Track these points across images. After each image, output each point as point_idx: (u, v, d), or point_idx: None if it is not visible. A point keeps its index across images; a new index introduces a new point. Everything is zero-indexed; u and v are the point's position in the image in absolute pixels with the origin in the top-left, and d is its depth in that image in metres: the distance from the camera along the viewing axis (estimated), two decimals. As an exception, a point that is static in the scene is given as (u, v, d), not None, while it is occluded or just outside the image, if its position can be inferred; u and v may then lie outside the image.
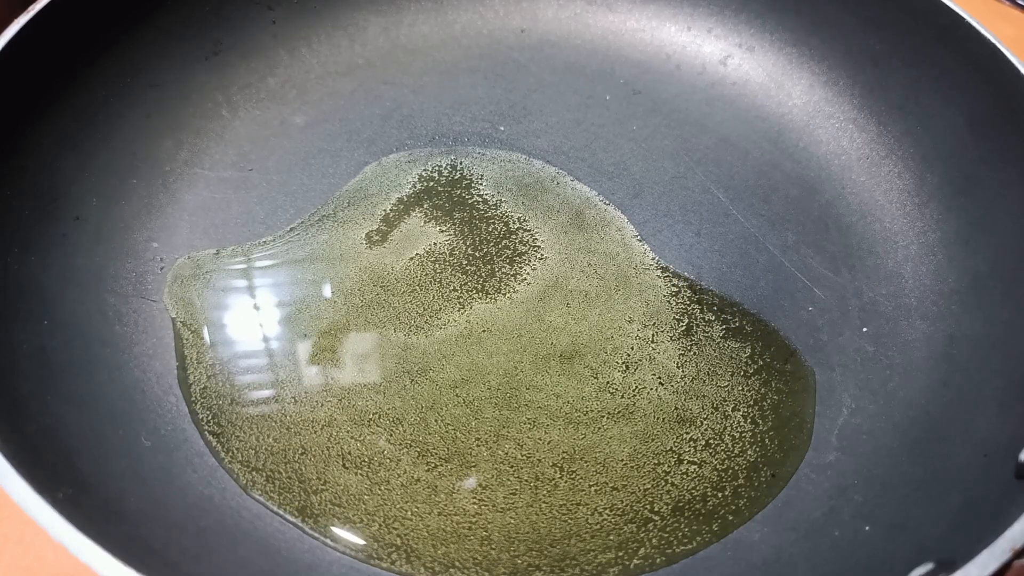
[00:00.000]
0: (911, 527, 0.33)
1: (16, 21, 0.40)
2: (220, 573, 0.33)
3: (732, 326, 0.43)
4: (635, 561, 0.36)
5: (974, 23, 0.43)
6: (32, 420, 0.34)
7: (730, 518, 0.37)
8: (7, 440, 0.30)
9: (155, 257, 0.44)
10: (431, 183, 0.47)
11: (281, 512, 0.36)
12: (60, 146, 0.42)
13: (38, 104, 0.41)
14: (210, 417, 0.39)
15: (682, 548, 0.36)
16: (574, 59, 0.54)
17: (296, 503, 0.37)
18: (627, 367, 0.41)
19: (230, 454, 0.38)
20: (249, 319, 0.42)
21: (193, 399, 0.39)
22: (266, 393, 0.40)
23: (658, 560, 0.36)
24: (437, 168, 0.48)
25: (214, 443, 0.38)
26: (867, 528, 0.35)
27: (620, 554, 0.36)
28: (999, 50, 0.42)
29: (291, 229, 0.45)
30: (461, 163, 0.48)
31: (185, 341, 0.41)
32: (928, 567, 0.29)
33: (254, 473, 0.37)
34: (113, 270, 0.42)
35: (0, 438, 0.30)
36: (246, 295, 0.43)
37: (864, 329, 0.43)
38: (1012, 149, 0.42)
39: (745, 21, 0.53)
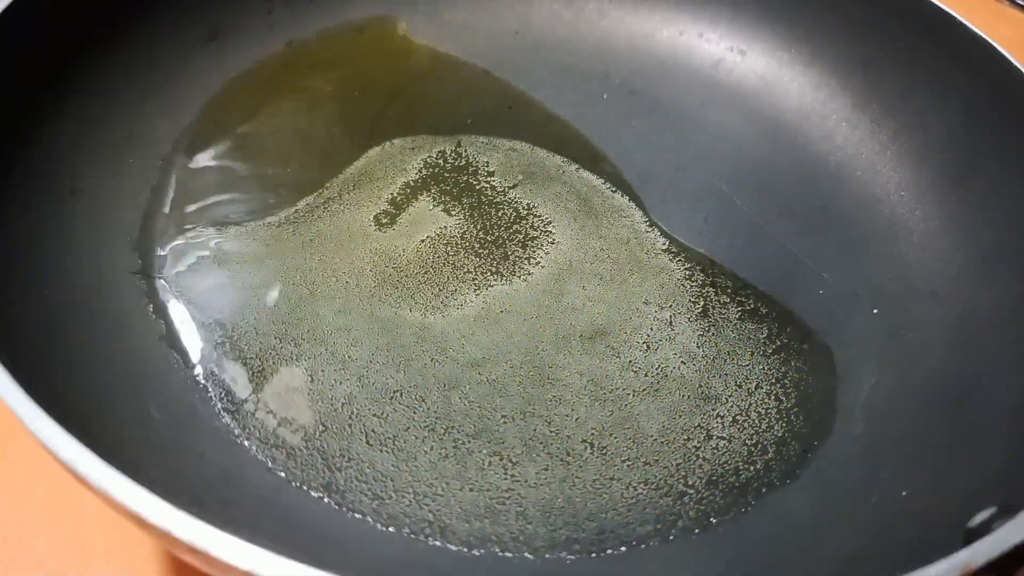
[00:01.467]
0: (956, 481, 0.33)
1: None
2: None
3: (747, 308, 0.43)
4: (673, 532, 0.35)
5: (963, 20, 0.45)
6: (40, 379, 0.31)
7: (763, 490, 0.37)
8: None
9: (155, 235, 0.42)
10: (436, 169, 0.47)
11: (304, 489, 0.34)
12: (56, 117, 0.40)
13: (35, 77, 0.39)
14: (223, 394, 0.37)
15: (719, 519, 0.35)
16: (569, 61, 0.54)
17: (320, 480, 0.35)
18: (648, 347, 0.41)
19: (246, 431, 0.36)
20: (257, 296, 0.40)
21: (203, 376, 0.37)
22: (280, 371, 0.38)
23: (696, 531, 0.35)
24: (441, 154, 0.47)
25: (228, 421, 0.36)
26: (904, 494, 0.35)
27: (658, 526, 0.35)
28: (990, 44, 0.43)
29: (295, 210, 0.44)
30: (465, 151, 0.48)
31: (192, 318, 0.39)
32: (991, 511, 0.29)
33: (273, 450, 0.35)
34: (111, 246, 0.40)
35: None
36: (252, 273, 0.41)
37: (875, 311, 0.43)
38: (1006, 139, 0.43)
39: (736, 27, 0.54)
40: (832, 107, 0.52)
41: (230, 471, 0.34)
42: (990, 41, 0.44)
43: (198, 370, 0.37)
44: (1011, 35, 0.45)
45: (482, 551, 0.34)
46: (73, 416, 0.29)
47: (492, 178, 0.47)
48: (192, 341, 0.38)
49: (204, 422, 0.36)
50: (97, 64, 0.43)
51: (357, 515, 0.34)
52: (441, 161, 0.47)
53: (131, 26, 0.44)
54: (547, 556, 0.34)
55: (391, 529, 0.34)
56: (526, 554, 0.34)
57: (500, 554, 0.34)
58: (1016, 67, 0.43)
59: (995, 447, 0.34)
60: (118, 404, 0.34)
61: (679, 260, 0.44)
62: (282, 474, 0.35)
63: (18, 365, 0.29)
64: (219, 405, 0.36)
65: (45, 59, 0.40)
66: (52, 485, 0.38)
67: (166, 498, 0.25)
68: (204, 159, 0.45)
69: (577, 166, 0.48)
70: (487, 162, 0.47)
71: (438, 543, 0.34)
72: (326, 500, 0.34)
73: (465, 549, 0.34)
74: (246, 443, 0.35)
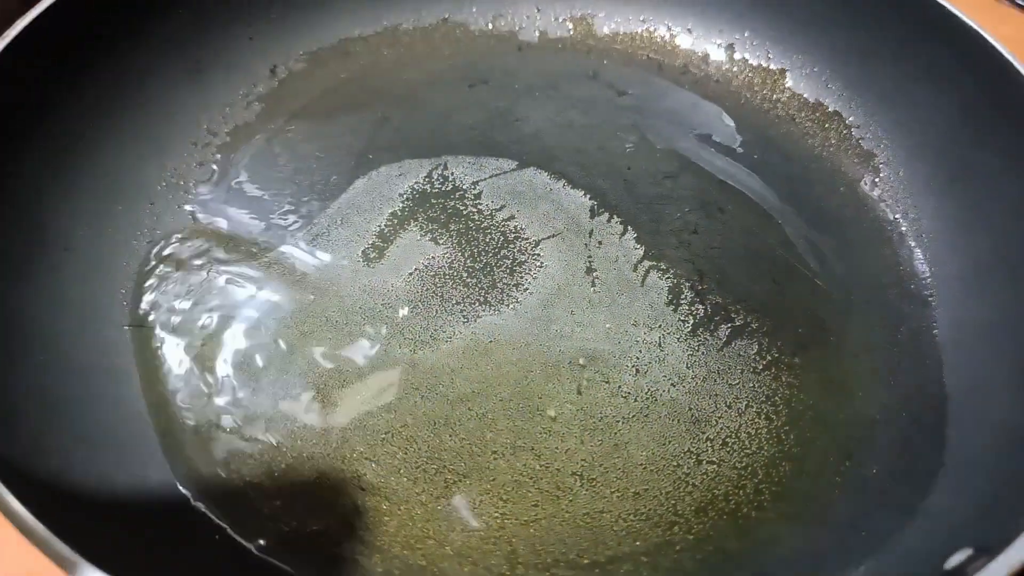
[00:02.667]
0: (941, 515, 0.33)
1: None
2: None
3: (737, 324, 0.43)
4: (665, 564, 0.36)
5: (959, 14, 0.44)
6: (39, 462, 0.32)
7: (754, 515, 0.37)
8: (12, 483, 0.29)
9: (148, 284, 0.42)
10: (424, 195, 0.47)
11: (302, 541, 0.35)
12: (43, 175, 0.41)
13: (16, 131, 0.40)
14: (220, 447, 0.38)
15: (711, 548, 0.36)
16: (559, 65, 0.54)
17: (315, 527, 0.36)
18: (637, 371, 0.41)
19: (243, 484, 0.37)
20: (252, 343, 0.41)
21: (201, 430, 0.38)
22: (276, 419, 0.39)
23: (688, 563, 0.36)
24: (428, 179, 0.47)
25: (227, 475, 0.37)
26: (894, 518, 0.35)
27: (649, 559, 0.36)
28: (985, 39, 0.42)
29: (285, 249, 0.44)
30: (452, 173, 0.48)
31: (188, 370, 0.40)
32: (967, 553, 0.29)
33: (271, 501, 0.36)
34: (106, 300, 0.41)
35: (6, 482, 0.29)
36: (246, 319, 0.42)
37: (869, 318, 0.43)
38: (1003, 136, 0.42)
39: (726, 20, 0.54)
40: (826, 99, 0.51)
41: (233, 535, 0.35)
42: (987, 37, 0.43)
43: (199, 425, 0.38)
44: (1011, 35, 0.43)
45: (474, 594, 0.35)
46: (70, 504, 0.31)
47: (479, 201, 0.47)
48: (192, 394, 0.39)
49: (205, 480, 0.37)
50: (77, 111, 0.43)
51: (352, 560, 0.35)
52: (428, 187, 0.47)
53: (110, 69, 0.45)
54: (540, 594, 0.35)
55: (384, 574, 0.35)
56: (518, 594, 0.35)
57: (492, 595, 0.35)
58: (1013, 64, 0.41)
59: (982, 474, 0.34)
60: (120, 473, 0.35)
61: (668, 277, 0.44)
62: (281, 525, 0.36)
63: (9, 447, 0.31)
64: (218, 459, 0.37)
65: (26, 113, 0.41)
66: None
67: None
68: (191, 201, 0.46)
69: (565, 182, 0.48)
70: (474, 184, 0.47)
71: (432, 588, 0.35)
72: (323, 548, 0.35)
73: (458, 593, 0.35)
74: (246, 495, 0.36)
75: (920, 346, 0.42)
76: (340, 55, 0.52)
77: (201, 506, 0.36)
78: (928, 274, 0.44)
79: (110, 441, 0.36)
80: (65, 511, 0.31)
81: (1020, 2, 0.57)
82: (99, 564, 0.27)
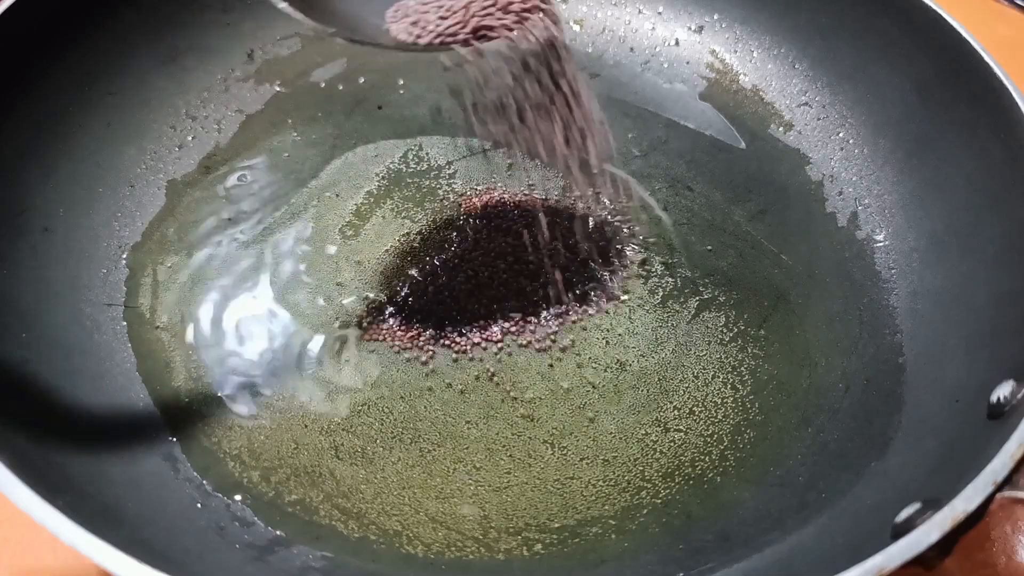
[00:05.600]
0: (893, 474, 0.35)
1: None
2: (222, 571, 0.33)
3: (705, 297, 0.44)
4: (632, 527, 0.37)
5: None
6: (22, 432, 0.33)
7: (718, 479, 0.38)
8: (4, 450, 0.30)
9: (128, 264, 0.43)
10: (399, 175, 0.48)
11: (279, 507, 0.36)
12: (22, 158, 0.42)
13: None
14: (199, 419, 0.39)
15: (676, 511, 0.37)
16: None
17: (294, 496, 0.37)
18: (607, 342, 0.42)
19: (224, 454, 0.38)
20: (230, 319, 0.42)
21: (180, 402, 0.39)
22: (255, 392, 0.40)
23: (653, 526, 0.37)
24: (404, 160, 0.48)
25: (206, 444, 0.38)
26: (850, 479, 0.36)
27: (617, 523, 0.37)
28: (941, 17, 0.43)
29: (262, 227, 0.45)
30: (427, 154, 0.49)
31: (167, 345, 0.41)
32: (915, 507, 0.30)
33: (250, 471, 0.37)
34: (86, 280, 0.42)
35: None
36: (224, 295, 0.43)
37: (831, 291, 0.44)
38: (958, 112, 0.43)
39: (695, 2, 0.54)
40: (791, 79, 0.52)
41: (209, 498, 0.36)
42: (943, 14, 0.44)
43: (179, 398, 0.39)
44: (1011, 35, 0.43)
45: (448, 555, 0.36)
46: (53, 471, 0.32)
47: (453, 180, 0.48)
48: (172, 369, 0.40)
49: (183, 450, 0.38)
50: (57, 95, 0.44)
51: (329, 526, 0.36)
52: (403, 167, 0.48)
53: (89, 54, 0.46)
54: (513, 554, 0.36)
55: (360, 539, 0.36)
56: (490, 556, 0.36)
57: (465, 558, 0.36)
58: (968, 42, 0.42)
59: (934, 434, 0.35)
60: (101, 443, 0.36)
61: (639, 251, 0.45)
62: (259, 491, 0.37)
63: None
64: (198, 431, 0.38)
65: (2, 98, 0.41)
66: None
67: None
68: (171, 183, 0.46)
69: (538, 162, 0.49)
70: (448, 164, 0.48)
71: (406, 550, 0.36)
72: (300, 517, 0.36)
73: (432, 555, 0.36)
74: (224, 465, 0.37)
75: (879, 316, 0.43)
76: (315, 40, 0.53)
77: (181, 474, 0.37)
78: (888, 247, 0.45)
79: (90, 413, 0.37)
80: (49, 480, 0.31)
81: (1019, 2, 0.58)
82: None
